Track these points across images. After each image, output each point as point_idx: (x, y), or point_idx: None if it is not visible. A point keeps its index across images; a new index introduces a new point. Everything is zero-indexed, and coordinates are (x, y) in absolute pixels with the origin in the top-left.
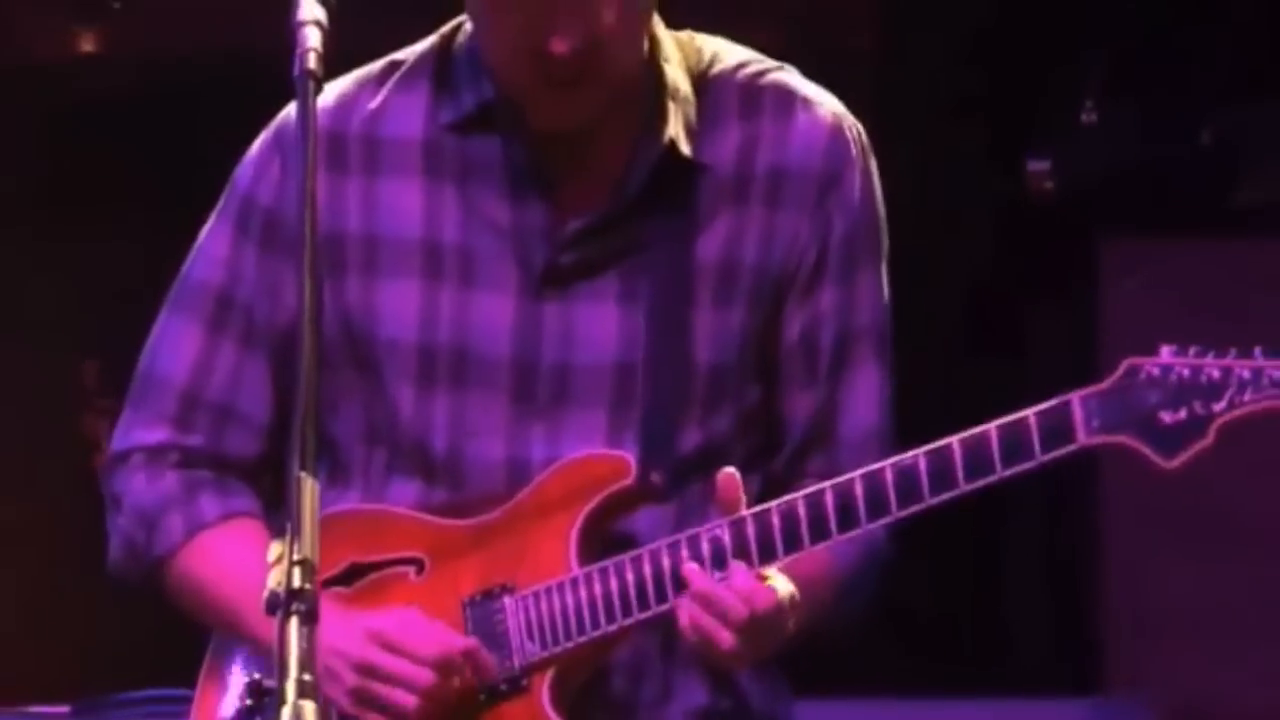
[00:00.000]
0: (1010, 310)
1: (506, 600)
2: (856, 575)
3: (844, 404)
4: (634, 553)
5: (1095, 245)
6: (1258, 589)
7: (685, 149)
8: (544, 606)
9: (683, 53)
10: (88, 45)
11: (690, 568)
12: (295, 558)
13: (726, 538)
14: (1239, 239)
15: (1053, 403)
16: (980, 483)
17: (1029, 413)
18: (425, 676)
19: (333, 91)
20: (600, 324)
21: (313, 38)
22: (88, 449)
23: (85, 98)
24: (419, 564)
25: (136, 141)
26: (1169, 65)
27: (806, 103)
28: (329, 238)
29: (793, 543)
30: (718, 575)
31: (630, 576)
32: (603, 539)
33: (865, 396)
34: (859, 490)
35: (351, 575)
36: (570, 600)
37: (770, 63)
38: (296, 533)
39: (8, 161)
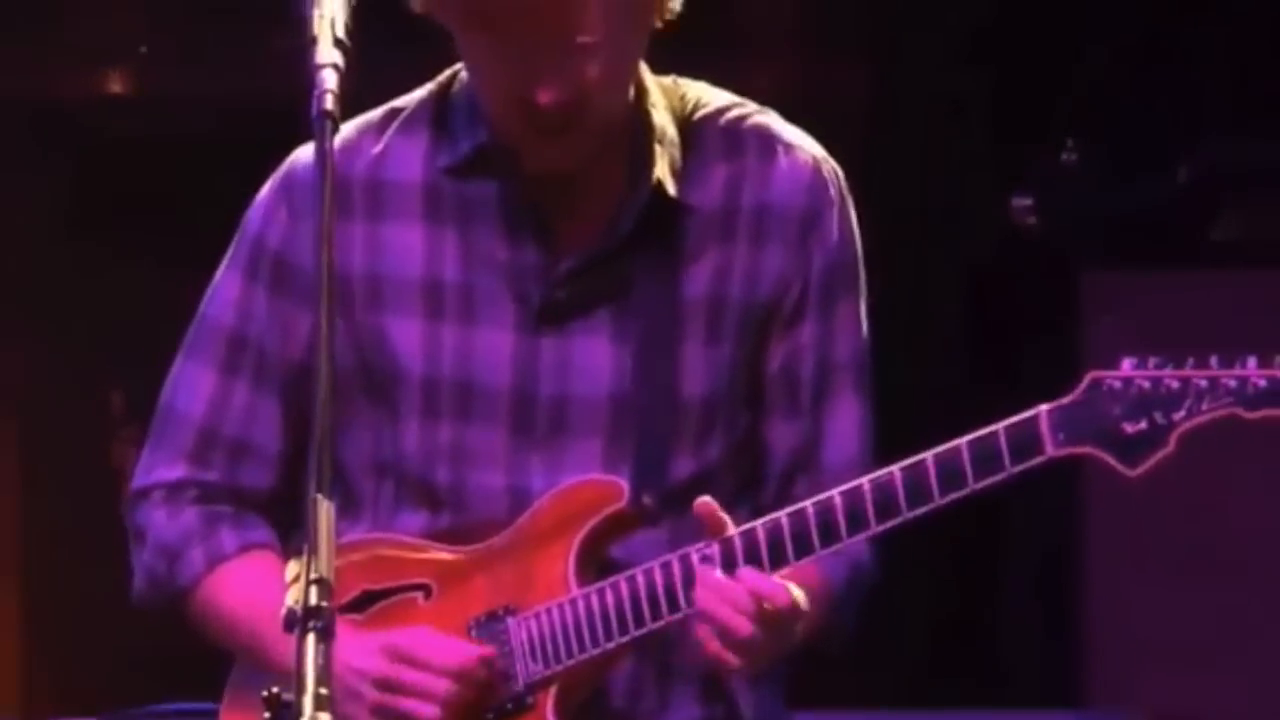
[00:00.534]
0: (1003, 342)
1: (510, 621)
2: (846, 590)
3: (826, 433)
4: (629, 572)
5: (1077, 278)
6: (1236, 608)
7: (672, 190)
8: (546, 626)
9: (668, 98)
10: (115, 87)
11: (703, 567)
12: (312, 577)
13: (717, 555)
14: (1216, 271)
15: (1021, 417)
16: (954, 495)
17: (998, 427)
18: (445, 686)
19: (337, 138)
20: (595, 358)
21: (330, 80)
22: (115, 475)
23: (112, 136)
24: (427, 590)
25: (162, 179)
26: (1146, 103)
27: (788, 145)
28: (336, 277)
29: (778, 557)
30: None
31: (626, 594)
32: (599, 561)
33: (846, 426)
34: (839, 505)
35: (364, 602)
36: (570, 619)
37: (752, 106)
38: (313, 553)
39: (41, 196)
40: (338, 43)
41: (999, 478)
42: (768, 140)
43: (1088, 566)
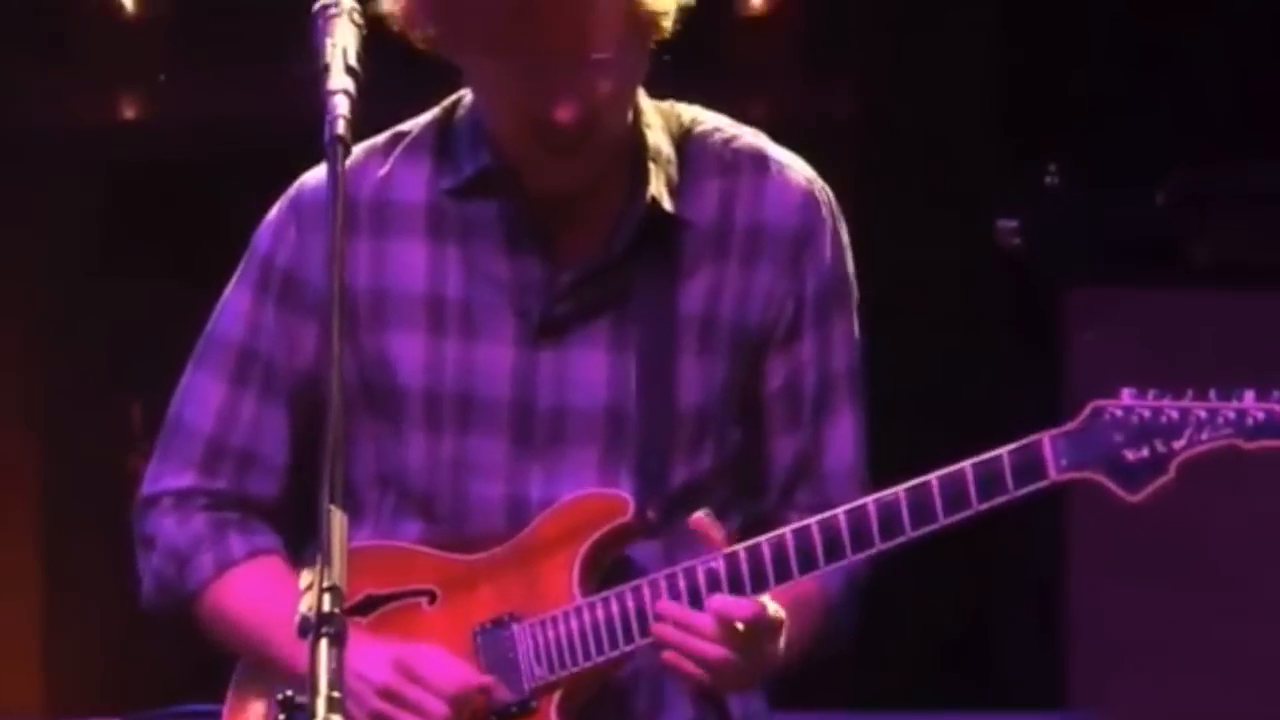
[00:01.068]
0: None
1: (515, 628)
2: (843, 598)
3: (827, 442)
4: (634, 583)
5: (1059, 296)
6: (1213, 614)
7: (668, 205)
8: (550, 633)
9: (664, 119)
10: (131, 112)
11: (661, 601)
12: (325, 584)
13: (721, 568)
14: (1194, 290)
15: (1024, 442)
16: (957, 516)
17: (1002, 451)
18: (440, 709)
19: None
20: (592, 369)
21: (342, 106)
22: (134, 486)
23: (131, 159)
24: (431, 595)
25: (177, 200)
26: (1127, 128)
27: (781, 165)
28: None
29: (783, 572)
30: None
31: (631, 605)
32: (601, 571)
33: (844, 434)
34: (843, 524)
35: (367, 606)
36: (575, 627)
37: (745, 128)
38: (327, 561)
39: (63, 219)
40: (349, 70)
41: (1002, 500)
42: (761, 160)
43: (1069, 572)
